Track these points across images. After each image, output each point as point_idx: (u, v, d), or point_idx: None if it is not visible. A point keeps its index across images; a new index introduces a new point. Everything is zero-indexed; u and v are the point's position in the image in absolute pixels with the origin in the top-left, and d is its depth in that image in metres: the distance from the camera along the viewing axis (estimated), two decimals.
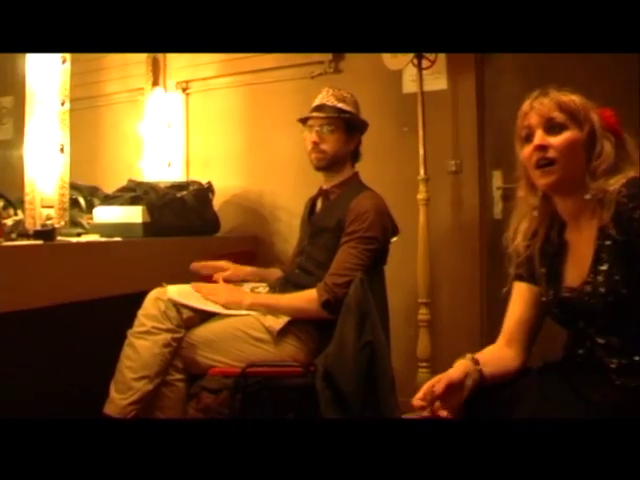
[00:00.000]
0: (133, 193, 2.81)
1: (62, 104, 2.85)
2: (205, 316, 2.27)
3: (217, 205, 3.25)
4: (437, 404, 1.37)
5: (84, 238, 2.58)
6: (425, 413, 1.37)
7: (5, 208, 2.45)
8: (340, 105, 2.37)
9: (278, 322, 2.19)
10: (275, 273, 2.61)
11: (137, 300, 2.26)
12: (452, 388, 1.39)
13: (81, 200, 2.99)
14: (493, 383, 1.48)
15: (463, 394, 1.42)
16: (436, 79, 2.98)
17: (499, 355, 1.57)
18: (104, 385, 2.16)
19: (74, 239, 2.51)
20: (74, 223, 2.77)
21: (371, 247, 2.23)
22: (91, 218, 2.83)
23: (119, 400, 2.10)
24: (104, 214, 2.73)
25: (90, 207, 2.98)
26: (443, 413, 1.36)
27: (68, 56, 2.87)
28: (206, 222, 3.06)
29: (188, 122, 3.70)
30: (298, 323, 2.21)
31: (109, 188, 3.24)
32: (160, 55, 3.76)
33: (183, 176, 3.58)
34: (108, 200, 2.85)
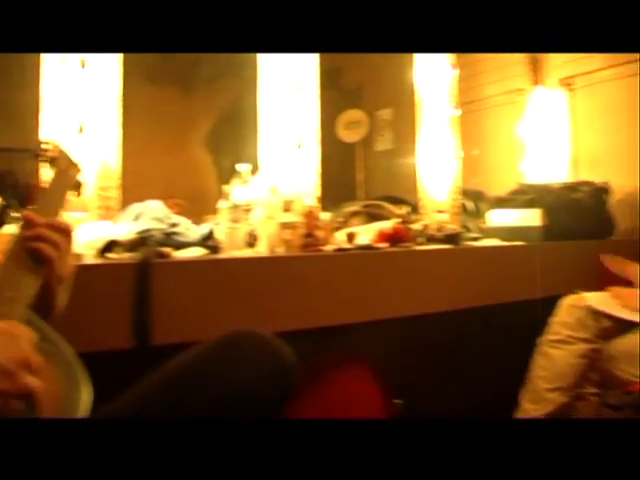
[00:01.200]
0: (527, 196, 2.73)
1: (453, 110, 2.90)
2: (626, 327, 2.11)
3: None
4: None
5: (482, 242, 2.56)
6: None
7: (409, 214, 2.55)
8: None
9: None
10: None
11: (542, 306, 2.19)
12: None
13: (469, 204, 3.00)
14: None
15: None
16: None
17: None
18: (513, 392, 2.13)
19: (474, 243, 2.50)
20: (464, 227, 2.79)
21: None
22: (482, 222, 2.81)
23: (532, 411, 2.06)
24: (500, 218, 2.70)
25: (478, 211, 2.98)
26: None
27: (456, 61, 2.92)
28: (601, 225, 2.86)
29: (573, 120, 3.52)
30: None
31: (490, 191, 3.21)
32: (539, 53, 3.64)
33: (568, 176, 3.41)
34: (501, 203, 2.81)
